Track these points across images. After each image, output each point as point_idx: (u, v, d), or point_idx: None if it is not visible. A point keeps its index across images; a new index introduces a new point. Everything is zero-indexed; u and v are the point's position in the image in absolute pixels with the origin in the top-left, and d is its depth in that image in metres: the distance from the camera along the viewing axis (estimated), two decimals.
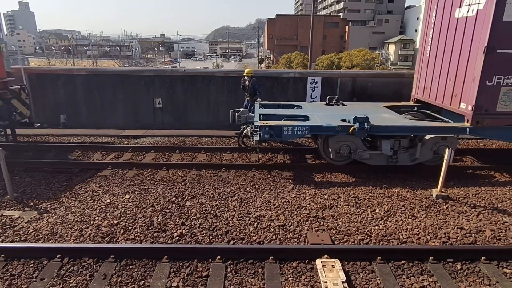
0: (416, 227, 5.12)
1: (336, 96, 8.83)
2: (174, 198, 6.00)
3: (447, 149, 5.69)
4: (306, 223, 5.27)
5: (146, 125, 10.79)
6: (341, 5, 78.96)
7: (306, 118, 7.34)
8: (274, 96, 10.43)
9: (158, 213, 5.50)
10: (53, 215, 5.48)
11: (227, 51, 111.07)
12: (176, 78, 10.67)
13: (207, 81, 10.64)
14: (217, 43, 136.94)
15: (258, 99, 8.99)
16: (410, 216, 5.43)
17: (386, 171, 7.26)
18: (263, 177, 7.05)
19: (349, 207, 5.73)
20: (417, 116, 8.18)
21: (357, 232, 5.03)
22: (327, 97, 8.85)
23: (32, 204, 5.88)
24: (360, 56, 48.20)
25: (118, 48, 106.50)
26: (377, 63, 49.28)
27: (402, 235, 4.94)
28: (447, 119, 7.44)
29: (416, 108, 8.55)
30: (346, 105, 8.67)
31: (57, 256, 4.40)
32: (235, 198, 6.03)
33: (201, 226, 5.17)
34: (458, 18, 6.66)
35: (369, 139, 7.37)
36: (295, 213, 5.55)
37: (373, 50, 59.78)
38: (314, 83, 10.55)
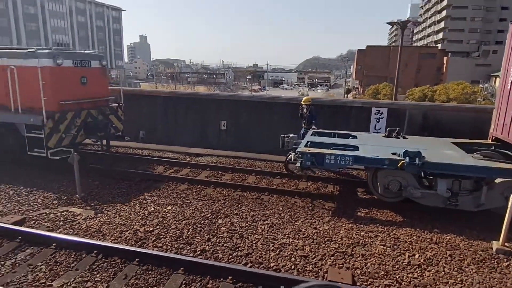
0: (460, 282, 4.39)
1: (397, 129, 8.24)
2: (209, 215, 6.25)
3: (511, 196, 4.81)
4: (331, 257, 4.95)
5: (211, 145, 11.50)
6: (440, 35, 73.65)
7: (355, 148, 7.00)
8: (336, 125, 10.12)
9: (190, 227, 5.78)
10: (104, 216, 6.20)
11: (314, 80, 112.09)
12: (242, 103, 11.26)
13: (270, 106, 10.97)
14: (305, 72, 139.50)
15: (313, 127, 8.91)
16: (455, 269, 4.68)
17: (444, 214, 6.41)
18: (303, 205, 6.87)
19: (384, 247, 5.21)
20: (493, 156, 7.08)
21: (385, 276, 4.53)
22: (387, 129, 8.32)
23: (93, 204, 6.75)
24: (458, 89, 43.69)
25: (214, 75, 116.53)
26: (478, 98, 43.95)
27: None
28: None
29: (493, 148, 7.43)
30: (407, 138, 8.01)
31: (94, 252, 4.97)
32: (266, 222, 6.00)
33: (224, 245, 5.27)
34: None
35: (430, 177, 6.65)
36: (323, 245, 5.27)
37: (475, 84, 53.68)
38: (379, 114, 10.00)
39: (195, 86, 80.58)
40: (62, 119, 8.28)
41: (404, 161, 5.99)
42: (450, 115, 9.70)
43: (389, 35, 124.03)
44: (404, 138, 8.03)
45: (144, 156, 10.15)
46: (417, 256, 5.00)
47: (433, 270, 4.64)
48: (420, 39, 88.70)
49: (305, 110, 9.29)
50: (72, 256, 4.94)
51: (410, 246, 5.27)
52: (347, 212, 6.52)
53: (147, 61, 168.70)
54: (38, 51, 8.22)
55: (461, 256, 5.01)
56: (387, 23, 28.52)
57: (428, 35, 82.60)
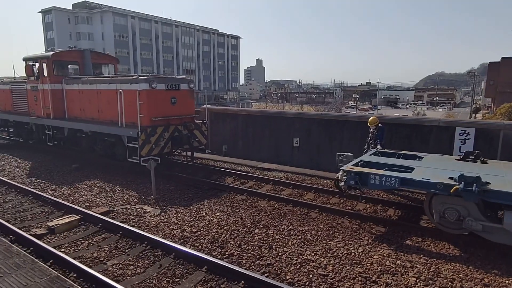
0: None
1: (476, 152, 7.17)
2: (250, 224, 6.63)
3: None
4: (351, 281, 4.74)
5: (284, 161, 11.85)
6: None
7: (410, 170, 6.44)
8: (412, 147, 9.32)
9: (228, 233, 6.27)
10: (165, 215, 7.22)
11: (435, 98, 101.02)
12: (313, 121, 11.34)
13: (341, 125, 10.76)
14: (424, 90, 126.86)
15: (378, 147, 8.44)
16: None
17: None
18: (348, 226, 6.62)
19: (417, 280, 4.69)
20: None
21: None
22: (464, 152, 7.32)
23: (162, 204, 7.90)
24: None
25: (323, 95, 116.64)
26: None
27: None
28: None
29: None
30: (487, 163, 6.89)
31: (145, 242, 5.91)
32: (300, 237, 6.05)
33: (251, 252, 5.58)
34: None
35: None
36: (348, 267, 5.06)
37: None
38: (465, 134, 8.75)
39: (302, 106, 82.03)
40: (153, 133, 9.90)
41: (457, 187, 5.28)
42: None
43: None
44: (484, 162, 6.93)
45: (220, 168, 11.16)
46: None
47: None
48: None
49: (371, 130, 8.88)
50: (129, 243, 5.98)
51: (450, 283, 4.60)
52: (392, 238, 6.02)
53: (261, 82, 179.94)
54: (139, 77, 10.13)
55: None
56: None
57: None
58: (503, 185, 5.36)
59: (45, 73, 12.39)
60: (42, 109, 12.79)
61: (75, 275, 4.93)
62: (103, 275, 4.84)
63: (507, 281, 4.65)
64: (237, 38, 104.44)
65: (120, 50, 71.59)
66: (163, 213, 7.33)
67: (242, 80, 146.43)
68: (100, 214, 7.16)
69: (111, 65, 14.33)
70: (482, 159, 7.01)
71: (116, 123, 10.60)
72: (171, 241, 5.92)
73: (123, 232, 6.30)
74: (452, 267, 5.01)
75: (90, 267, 5.14)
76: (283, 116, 12.13)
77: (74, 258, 5.37)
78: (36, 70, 12.85)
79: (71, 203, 7.87)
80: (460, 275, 4.80)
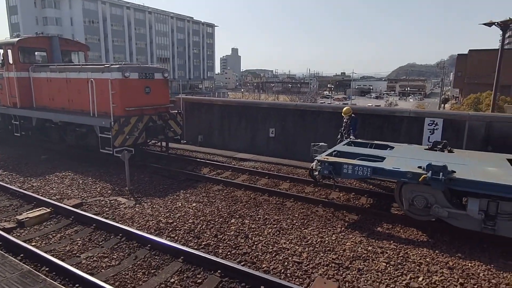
0: None
1: (444, 141, 7.51)
2: (226, 214, 6.67)
3: None
4: (325, 267, 4.90)
5: (260, 151, 11.91)
6: None
7: (382, 159, 6.67)
8: (384, 137, 9.62)
9: (204, 223, 6.29)
10: (140, 206, 7.12)
11: (406, 89, 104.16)
12: (288, 111, 11.44)
13: (315, 115, 10.93)
14: (396, 81, 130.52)
15: (351, 137, 8.66)
16: None
17: (483, 240, 5.65)
18: (322, 214, 6.80)
19: (387, 265, 4.91)
20: None
21: None
22: (433, 142, 7.64)
23: (137, 196, 7.78)
24: None
25: (298, 85, 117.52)
26: None
27: None
28: None
29: None
30: (453, 152, 7.24)
31: (120, 234, 5.83)
32: (275, 226, 6.15)
33: (228, 242, 5.63)
34: None
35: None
36: (322, 254, 5.22)
37: None
38: (433, 125, 9.13)
39: (278, 96, 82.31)
40: (126, 123, 9.64)
41: (425, 176, 5.53)
42: None
43: (507, 38, 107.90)
44: (450, 151, 7.28)
45: (196, 159, 11.08)
46: (420, 279, 4.59)
47: None
48: None
49: (345, 120, 9.07)
50: (103, 236, 5.87)
51: (417, 267, 4.86)
52: (364, 226, 6.24)
53: (237, 72, 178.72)
54: (111, 66, 9.79)
55: (475, 286, 4.43)
56: (484, 24, 25.36)
57: None
58: (467, 173, 5.66)
59: (11, 61, 11.73)
60: (8, 98, 12.15)
61: (47, 269, 4.81)
62: (77, 268, 4.75)
63: (469, 264, 4.96)
64: (212, 26, 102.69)
65: (91, 36, 68.67)
66: (138, 205, 7.23)
67: (217, 69, 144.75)
68: (72, 206, 6.97)
69: (81, 52, 13.73)
70: (449, 149, 7.35)
71: (88, 113, 10.23)
72: (146, 233, 5.87)
73: (97, 225, 6.18)
74: (419, 252, 5.28)
75: (63, 260, 5.02)
76: (259, 107, 12.15)
77: (45, 252, 5.22)
78: (0, 57, 12.15)
79: (41, 195, 7.61)
80: (427, 259, 5.07)
